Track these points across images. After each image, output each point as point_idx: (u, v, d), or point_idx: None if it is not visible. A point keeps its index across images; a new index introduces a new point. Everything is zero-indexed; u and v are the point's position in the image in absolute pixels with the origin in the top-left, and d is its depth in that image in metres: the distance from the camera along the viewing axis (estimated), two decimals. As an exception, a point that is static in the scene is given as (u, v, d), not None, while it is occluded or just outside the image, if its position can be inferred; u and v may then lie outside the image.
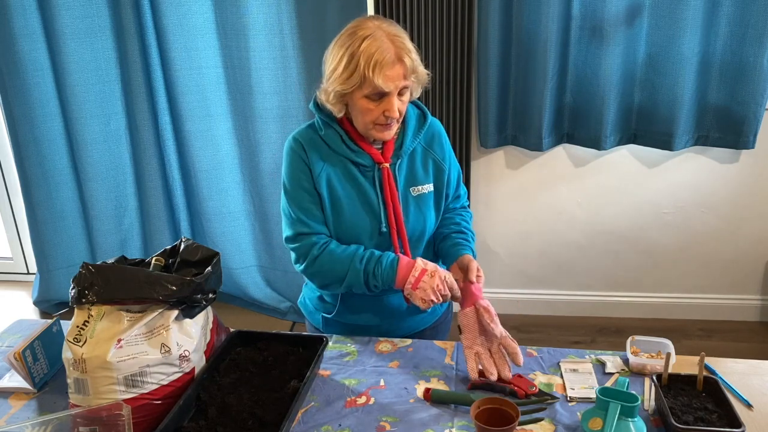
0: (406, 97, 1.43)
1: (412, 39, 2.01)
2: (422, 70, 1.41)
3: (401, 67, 1.35)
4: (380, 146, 1.50)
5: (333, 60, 1.38)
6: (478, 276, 1.45)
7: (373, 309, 1.58)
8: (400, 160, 1.50)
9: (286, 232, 1.51)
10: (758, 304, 2.82)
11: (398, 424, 1.25)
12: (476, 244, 1.62)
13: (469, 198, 1.73)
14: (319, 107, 1.49)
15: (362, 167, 1.48)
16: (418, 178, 1.52)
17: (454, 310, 1.78)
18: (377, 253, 1.45)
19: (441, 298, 1.39)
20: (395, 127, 1.45)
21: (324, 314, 1.64)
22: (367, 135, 1.46)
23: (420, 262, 1.42)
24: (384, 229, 1.49)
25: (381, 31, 1.35)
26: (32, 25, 2.59)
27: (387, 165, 1.48)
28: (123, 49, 2.63)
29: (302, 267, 1.49)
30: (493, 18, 2.40)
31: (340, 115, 1.45)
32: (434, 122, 1.58)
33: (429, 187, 1.54)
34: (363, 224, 1.49)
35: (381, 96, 1.37)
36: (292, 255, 1.52)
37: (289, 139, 1.51)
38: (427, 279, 1.39)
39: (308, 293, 1.70)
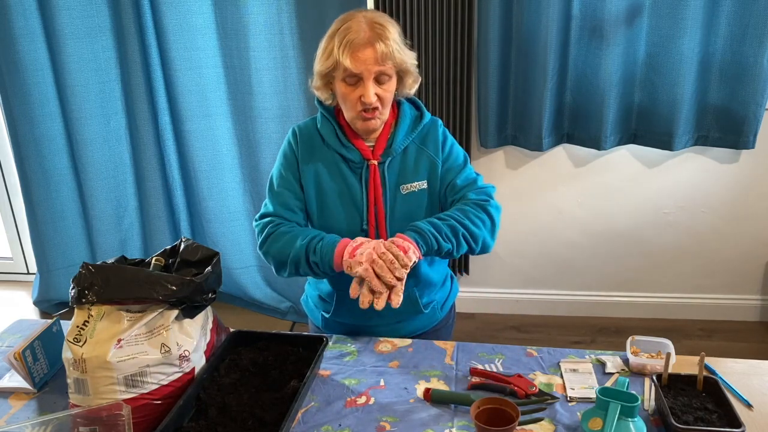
0: (389, 86, 1.42)
1: (412, 39, 2.00)
2: (404, 58, 1.40)
3: (372, 51, 1.35)
4: (372, 144, 1.50)
5: (320, 45, 1.43)
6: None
7: (371, 310, 1.57)
8: (391, 159, 1.49)
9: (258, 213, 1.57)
10: (758, 304, 2.82)
11: (398, 424, 1.25)
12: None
13: None
14: (321, 101, 1.53)
15: (351, 163, 1.49)
16: (409, 175, 1.51)
17: (456, 311, 1.79)
18: (324, 233, 1.44)
19: (380, 257, 1.28)
20: (378, 118, 1.44)
21: (323, 313, 1.64)
22: (356, 127, 1.47)
23: (361, 237, 1.40)
24: (365, 227, 1.49)
25: (363, 17, 1.38)
26: (32, 25, 2.60)
27: (375, 162, 1.48)
28: (123, 49, 2.63)
29: (258, 246, 1.52)
30: (493, 18, 2.40)
31: (329, 101, 1.49)
32: (432, 121, 1.55)
33: (421, 185, 1.51)
34: (345, 221, 1.50)
35: (357, 80, 1.38)
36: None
37: (289, 130, 1.55)
38: (367, 243, 1.35)
39: (310, 291, 1.71)
